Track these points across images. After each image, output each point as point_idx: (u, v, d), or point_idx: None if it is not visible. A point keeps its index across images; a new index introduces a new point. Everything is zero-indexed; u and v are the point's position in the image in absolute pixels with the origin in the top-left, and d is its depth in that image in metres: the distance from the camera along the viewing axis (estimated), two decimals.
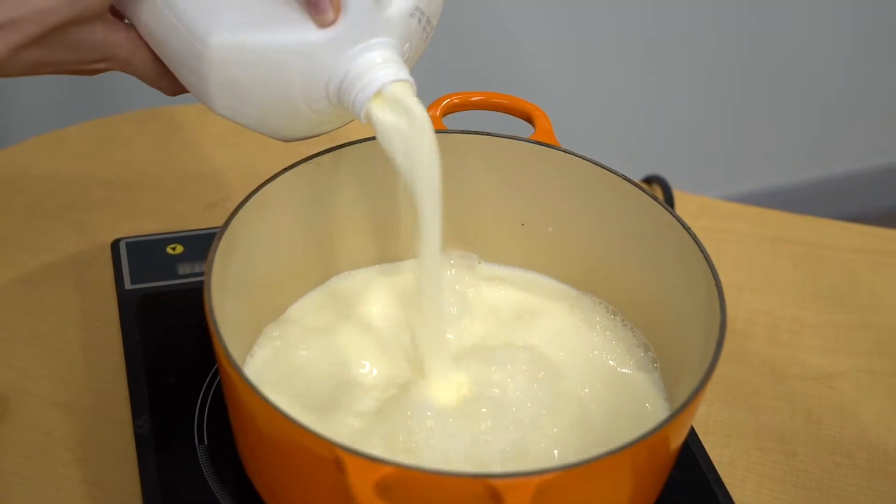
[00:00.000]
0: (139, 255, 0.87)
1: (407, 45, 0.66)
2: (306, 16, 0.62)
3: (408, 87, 0.65)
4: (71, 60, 0.65)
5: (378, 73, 0.64)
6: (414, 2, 0.66)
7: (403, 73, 0.65)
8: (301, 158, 0.72)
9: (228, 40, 0.62)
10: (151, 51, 0.67)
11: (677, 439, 0.64)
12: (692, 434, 0.77)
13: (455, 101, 0.78)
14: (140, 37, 0.66)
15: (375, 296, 0.77)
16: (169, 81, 0.68)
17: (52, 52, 0.63)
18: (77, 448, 0.76)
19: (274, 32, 0.62)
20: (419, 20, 0.66)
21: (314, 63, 0.63)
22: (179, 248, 0.88)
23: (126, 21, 0.67)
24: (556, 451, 0.66)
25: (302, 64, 0.63)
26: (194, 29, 0.62)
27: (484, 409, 0.68)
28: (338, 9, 0.62)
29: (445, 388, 0.70)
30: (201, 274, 0.84)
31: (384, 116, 0.64)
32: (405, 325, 0.75)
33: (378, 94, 0.64)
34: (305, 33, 0.63)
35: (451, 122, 0.77)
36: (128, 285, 0.85)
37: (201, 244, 0.88)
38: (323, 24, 0.62)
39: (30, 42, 0.61)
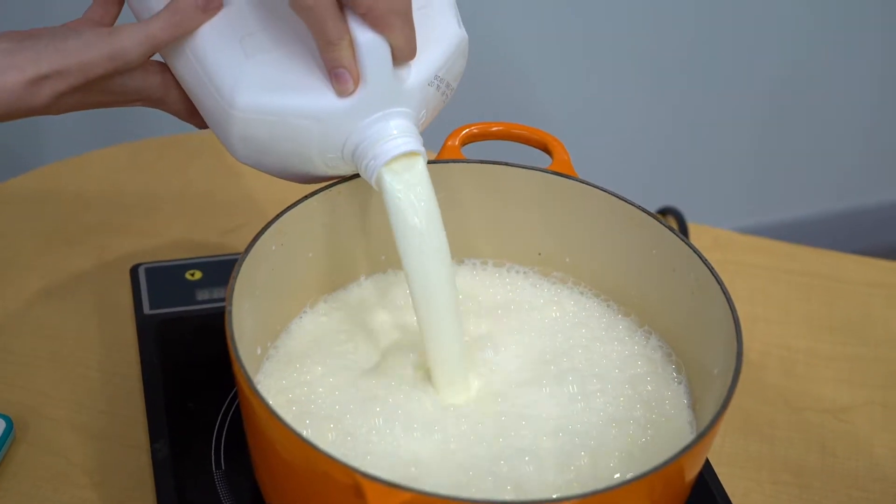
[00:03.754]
0: (158, 280, 0.88)
1: (423, 111, 0.69)
2: (326, 83, 0.65)
3: (417, 160, 0.68)
4: (108, 102, 0.69)
5: (390, 144, 0.67)
6: (433, 71, 0.68)
7: (414, 145, 0.67)
8: (320, 187, 0.73)
9: (252, 102, 0.65)
10: (183, 91, 0.70)
11: (693, 470, 0.65)
12: (707, 465, 0.77)
13: (474, 130, 0.79)
14: (174, 78, 0.70)
15: (386, 305, 0.78)
16: (200, 119, 0.71)
17: (91, 97, 0.68)
18: (94, 471, 0.76)
19: (295, 97, 0.65)
20: (438, 87, 0.69)
21: (332, 128, 0.66)
22: (198, 274, 0.89)
23: (161, 61, 0.70)
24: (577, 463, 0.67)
25: (320, 128, 0.66)
26: (221, 87, 0.65)
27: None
28: (357, 80, 0.65)
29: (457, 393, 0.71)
30: (220, 300, 0.85)
31: (391, 188, 0.67)
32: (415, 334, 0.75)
33: (388, 163, 0.67)
34: (325, 100, 0.65)
35: (469, 151, 0.78)
36: (146, 310, 0.86)
37: (220, 270, 0.89)
38: (343, 94, 0.65)
39: (72, 90, 0.66)
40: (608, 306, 0.78)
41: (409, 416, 0.69)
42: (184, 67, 0.68)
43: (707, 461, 0.77)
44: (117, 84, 0.68)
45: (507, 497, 0.64)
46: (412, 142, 0.67)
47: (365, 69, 0.65)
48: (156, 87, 0.69)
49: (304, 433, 0.66)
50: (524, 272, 0.80)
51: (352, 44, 0.64)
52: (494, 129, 0.80)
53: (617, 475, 0.67)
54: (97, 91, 0.67)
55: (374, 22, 0.63)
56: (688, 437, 0.69)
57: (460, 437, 0.68)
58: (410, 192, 0.68)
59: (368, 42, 0.64)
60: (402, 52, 0.65)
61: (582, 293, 0.79)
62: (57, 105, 0.66)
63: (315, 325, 0.76)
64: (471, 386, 0.71)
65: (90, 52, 0.65)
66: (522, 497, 0.64)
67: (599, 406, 0.71)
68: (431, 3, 0.69)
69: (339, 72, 0.64)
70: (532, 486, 0.65)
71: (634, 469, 0.67)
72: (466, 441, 0.68)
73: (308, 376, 0.71)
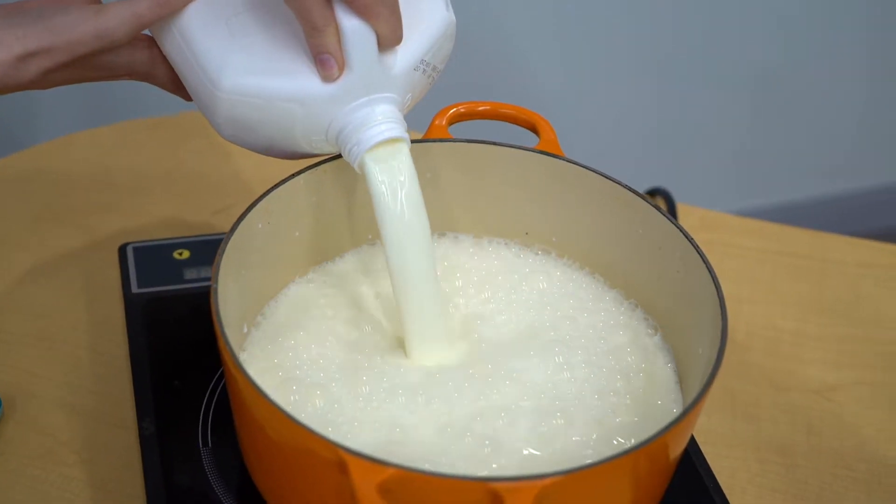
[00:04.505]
0: (146, 259, 0.88)
1: (409, 95, 0.70)
2: (312, 67, 0.66)
3: (401, 146, 0.68)
4: (96, 77, 0.69)
5: (373, 131, 0.67)
6: (419, 55, 0.68)
7: (397, 131, 0.68)
8: (306, 166, 0.73)
9: (237, 84, 0.65)
10: (171, 65, 0.70)
11: (677, 447, 0.65)
12: (693, 444, 0.77)
13: (461, 110, 0.79)
14: (161, 52, 0.70)
15: (370, 274, 0.78)
16: (188, 93, 0.71)
17: (78, 73, 0.68)
18: (82, 450, 0.76)
19: (280, 81, 0.66)
20: (424, 71, 0.69)
21: (316, 112, 0.67)
22: (186, 253, 0.89)
23: (149, 35, 0.70)
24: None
25: (304, 112, 0.66)
26: (207, 69, 0.66)
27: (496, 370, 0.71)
28: (342, 66, 0.65)
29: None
30: (207, 279, 0.85)
31: (374, 174, 0.68)
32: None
33: (372, 149, 0.67)
34: (310, 85, 0.66)
35: (456, 130, 0.78)
36: (135, 289, 0.86)
37: (208, 249, 0.89)
38: (328, 79, 0.66)
39: (60, 66, 0.66)
40: (594, 277, 0.79)
41: (393, 381, 0.69)
42: (171, 46, 0.68)
43: (693, 440, 0.77)
44: (105, 60, 0.68)
45: (485, 453, 0.65)
46: (396, 128, 0.68)
47: (350, 56, 0.65)
48: (143, 62, 0.70)
49: (292, 399, 0.67)
50: (506, 243, 0.81)
51: (337, 30, 0.64)
52: (481, 108, 0.80)
53: (594, 439, 0.67)
54: (85, 67, 0.68)
55: (360, 9, 0.63)
56: (673, 414, 0.70)
57: (443, 398, 0.68)
58: (393, 179, 0.68)
59: (354, 29, 0.64)
60: (388, 40, 0.66)
61: (567, 265, 0.80)
62: (44, 81, 0.67)
63: (301, 294, 0.76)
64: (446, 348, 0.72)
65: (77, 31, 0.65)
66: (498, 454, 0.65)
67: (583, 376, 0.71)
68: None
69: (324, 57, 0.65)
70: (504, 442, 0.66)
71: (613, 435, 0.68)
72: (450, 401, 0.68)
73: (292, 341, 0.71)
